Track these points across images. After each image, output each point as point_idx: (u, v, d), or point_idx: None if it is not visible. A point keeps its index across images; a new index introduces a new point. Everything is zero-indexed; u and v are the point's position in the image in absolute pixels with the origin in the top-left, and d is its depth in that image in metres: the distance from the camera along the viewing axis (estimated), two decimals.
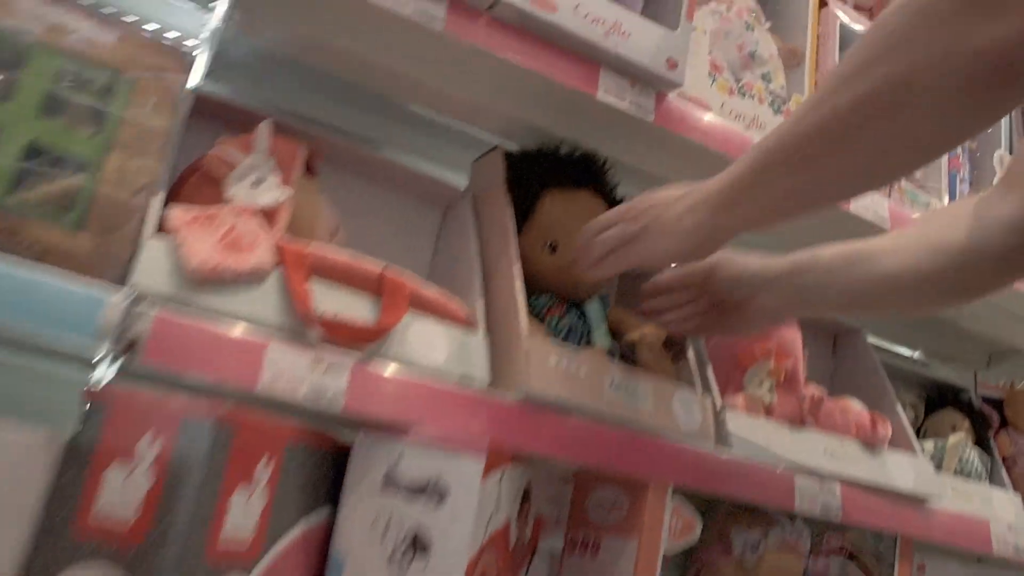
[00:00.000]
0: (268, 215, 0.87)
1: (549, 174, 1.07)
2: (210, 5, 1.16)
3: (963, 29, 0.57)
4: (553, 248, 1.06)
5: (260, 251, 0.83)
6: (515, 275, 0.98)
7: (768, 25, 1.27)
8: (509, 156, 1.10)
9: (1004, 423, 1.57)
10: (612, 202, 1.10)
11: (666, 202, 0.87)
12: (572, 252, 1.01)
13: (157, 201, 0.82)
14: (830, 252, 0.92)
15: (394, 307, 0.88)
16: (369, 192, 1.13)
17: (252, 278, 0.82)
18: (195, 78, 1.08)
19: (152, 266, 0.77)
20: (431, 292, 0.93)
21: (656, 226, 0.87)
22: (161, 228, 0.81)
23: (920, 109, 0.62)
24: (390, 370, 0.85)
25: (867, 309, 0.95)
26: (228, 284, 0.80)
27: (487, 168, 1.13)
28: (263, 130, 0.91)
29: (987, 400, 1.57)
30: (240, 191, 0.88)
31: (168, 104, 0.84)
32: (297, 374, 0.80)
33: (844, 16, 1.29)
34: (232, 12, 0.99)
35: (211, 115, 1.02)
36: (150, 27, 1.28)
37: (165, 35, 0.84)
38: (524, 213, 1.07)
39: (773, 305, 0.97)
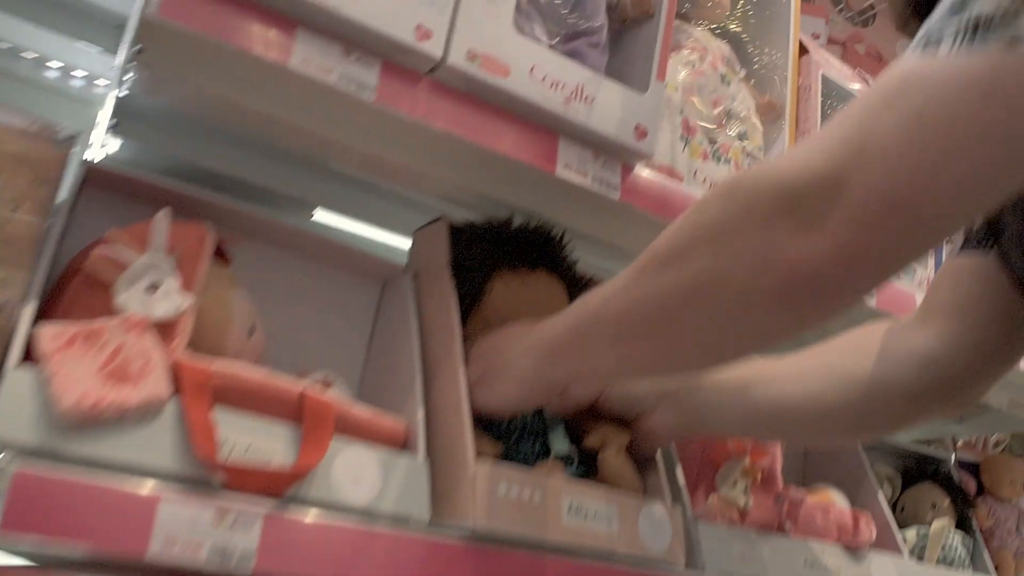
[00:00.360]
0: (165, 327, 0.74)
1: (499, 253, 0.95)
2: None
3: (778, 237, 0.55)
4: None
5: (153, 378, 0.70)
6: (460, 383, 0.86)
7: (743, 73, 1.16)
8: (454, 229, 0.98)
9: (981, 490, 1.49)
10: (571, 283, 0.98)
11: (504, 343, 0.83)
12: None
13: (25, 319, 0.68)
14: (731, 372, 0.89)
15: (316, 439, 0.75)
16: (297, 268, 1.00)
17: (142, 414, 0.68)
18: (96, 139, 0.94)
19: (13, 407, 0.64)
20: (361, 412, 0.80)
21: (492, 371, 0.83)
22: (28, 355, 0.67)
23: (739, 307, 0.60)
24: (311, 516, 0.72)
25: (771, 435, 0.95)
26: (112, 425, 0.67)
27: (429, 240, 1.01)
28: (160, 223, 0.77)
29: (963, 464, 1.49)
30: (132, 299, 0.74)
31: (37, 200, 0.70)
32: (197, 533, 0.67)
33: (826, 65, 1.19)
34: (130, 68, 0.85)
35: (109, 187, 0.88)
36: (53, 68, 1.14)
37: (35, 119, 0.70)
38: (472, 295, 0.95)
39: (671, 423, 0.92)
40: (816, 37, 1.40)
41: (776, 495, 1.05)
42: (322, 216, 1.17)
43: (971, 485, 1.46)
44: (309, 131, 0.90)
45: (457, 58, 0.83)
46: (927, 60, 0.52)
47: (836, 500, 1.10)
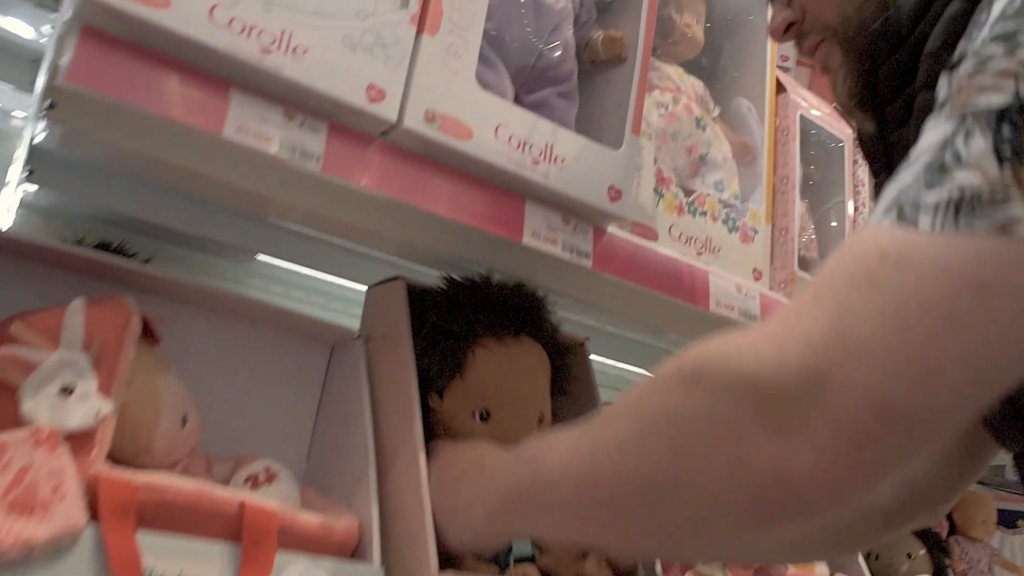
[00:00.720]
0: (82, 438, 0.65)
1: (482, 318, 0.86)
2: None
3: (750, 441, 0.48)
4: (484, 416, 0.86)
5: (66, 505, 0.61)
6: (419, 474, 0.78)
7: (717, 111, 1.10)
8: (423, 291, 0.90)
9: (953, 529, 1.47)
10: (554, 350, 0.91)
11: (460, 479, 0.75)
12: (508, 420, 0.83)
13: None
14: None
15: (258, 559, 0.67)
16: (235, 334, 0.91)
17: (53, 550, 0.60)
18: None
19: None
20: (307, 521, 0.72)
21: (449, 509, 0.75)
22: None
23: (702, 514, 0.53)
24: None
25: (746, 559, 0.91)
26: (17, 566, 0.58)
27: (385, 301, 0.92)
28: (73, 314, 0.68)
29: None
30: (41, 406, 0.65)
31: None
32: None
33: (804, 105, 1.13)
34: (42, 118, 0.75)
35: (20, 255, 0.79)
36: None
37: None
38: (453, 366, 0.87)
39: None
40: (785, 60, 1.34)
41: (755, 568, 1.00)
42: (267, 259, 1.08)
43: (943, 526, 1.43)
44: (246, 190, 0.81)
45: (414, 120, 0.75)
46: (906, 236, 0.47)
47: (816, 568, 1.05)
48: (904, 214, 0.47)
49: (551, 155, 0.83)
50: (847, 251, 0.50)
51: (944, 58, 0.59)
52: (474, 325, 0.86)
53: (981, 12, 0.56)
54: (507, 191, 0.82)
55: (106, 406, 0.67)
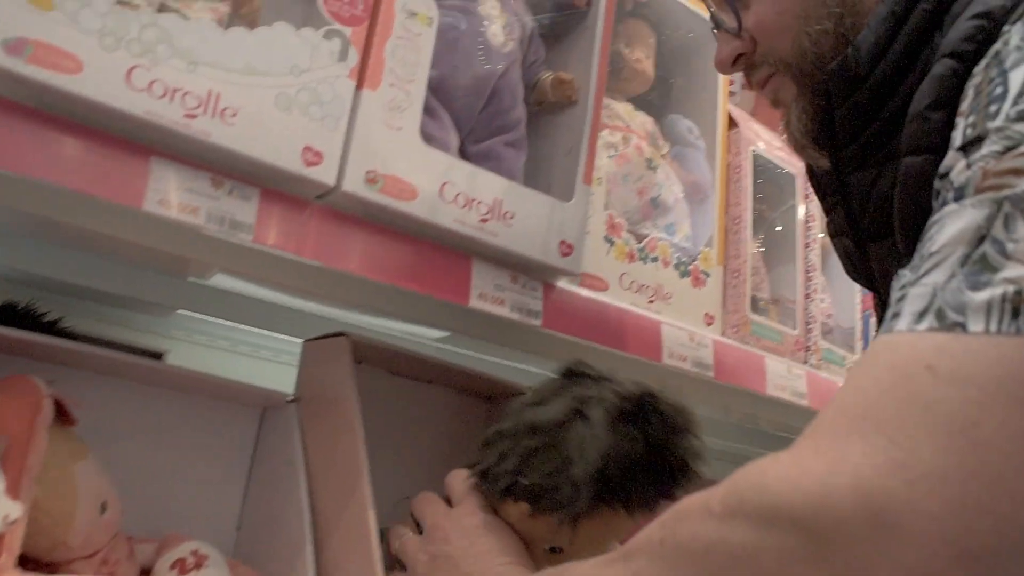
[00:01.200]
0: None
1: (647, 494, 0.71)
2: None
3: None
4: (556, 551, 0.73)
5: None
6: (370, 552, 0.74)
7: (667, 148, 1.07)
8: (362, 349, 0.85)
9: None
10: None
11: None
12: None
13: None
14: None
15: None
16: (157, 404, 0.85)
17: None
18: None
19: None
20: None
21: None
22: None
23: None
24: None
25: None
26: None
27: (325, 358, 0.87)
28: None
29: None
30: None
31: None
32: None
33: (757, 140, 1.11)
34: None
35: None
36: None
37: None
38: (568, 516, 0.69)
39: None
40: (731, 83, 1.32)
41: None
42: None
43: None
44: (168, 252, 0.76)
45: (354, 183, 0.71)
46: (955, 343, 0.42)
47: None
48: (946, 318, 0.43)
49: (500, 212, 0.79)
50: (880, 366, 0.45)
51: (934, 120, 0.57)
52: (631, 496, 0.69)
53: (975, 77, 0.53)
54: (454, 251, 0.79)
55: (15, 510, 0.61)
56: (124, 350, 0.94)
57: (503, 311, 0.81)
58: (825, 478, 0.42)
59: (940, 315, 0.43)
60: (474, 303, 0.79)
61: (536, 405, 0.70)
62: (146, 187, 0.63)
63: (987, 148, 0.46)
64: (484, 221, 0.78)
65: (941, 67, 0.57)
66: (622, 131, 1.01)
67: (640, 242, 0.96)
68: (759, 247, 1.16)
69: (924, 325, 0.44)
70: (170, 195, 0.64)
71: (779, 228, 1.22)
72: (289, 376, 0.90)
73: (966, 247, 0.44)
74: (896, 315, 0.46)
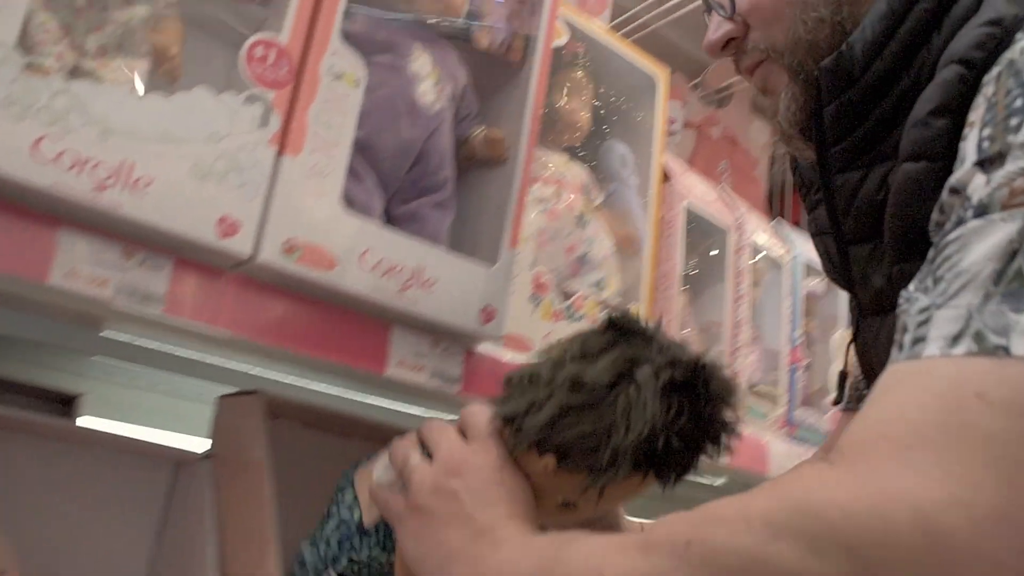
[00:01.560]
0: None
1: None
2: None
3: None
4: (568, 506, 0.71)
5: None
6: None
7: (600, 199, 1.09)
8: (278, 406, 0.85)
9: None
10: None
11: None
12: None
13: None
14: None
15: None
16: (64, 462, 0.84)
17: None
18: None
19: None
20: None
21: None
22: None
23: None
24: None
25: None
26: None
27: (239, 415, 0.87)
28: None
29: None
30: None
31: None
32: None
33: (690, 193, 1.13)
34: None
35: None
36: None
37: None
38: (601, 476, 0.65)
39: None
40: (672, 122, 1.34)
41: None
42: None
43: None
44: (81, 312, 0.75)
45: (271, 253, 0.71)
46: (1004, 368, 0.41)
47: None
48: (986, 341, 0.42)
49: (421, 279, 0.80)
50: (920, 392, 0.44)
51: (936, 127, 0.55)
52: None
53: (986, 85, 0.52)
54: (372, 319, 0.79)
55: None
56: (37, 395, 0.93)
57: (421, 379, 0.81)
58: (881, 508, 0.41)
59: (979, 338, 0.42)
60: (391, 371, 0.79)
61: (581, 359, 0.66)
62: (52, 260, 0.63)
63: (1012, 165, 0.46)
64: (405, 288, 0.79)
65: (948, 72, 0.56)
66: (554, 184, 1.01)
67: (567, 300, 0.97)
68: (688, 300, 1.18)
69: (961, 349, 0.43)
70: (78, 267, 0.63)
71: (714, 252, 1.23)
72: (210, 416, 0.90)
73: (997, 263, 0.43)
74: (920, 340, 0.45)
